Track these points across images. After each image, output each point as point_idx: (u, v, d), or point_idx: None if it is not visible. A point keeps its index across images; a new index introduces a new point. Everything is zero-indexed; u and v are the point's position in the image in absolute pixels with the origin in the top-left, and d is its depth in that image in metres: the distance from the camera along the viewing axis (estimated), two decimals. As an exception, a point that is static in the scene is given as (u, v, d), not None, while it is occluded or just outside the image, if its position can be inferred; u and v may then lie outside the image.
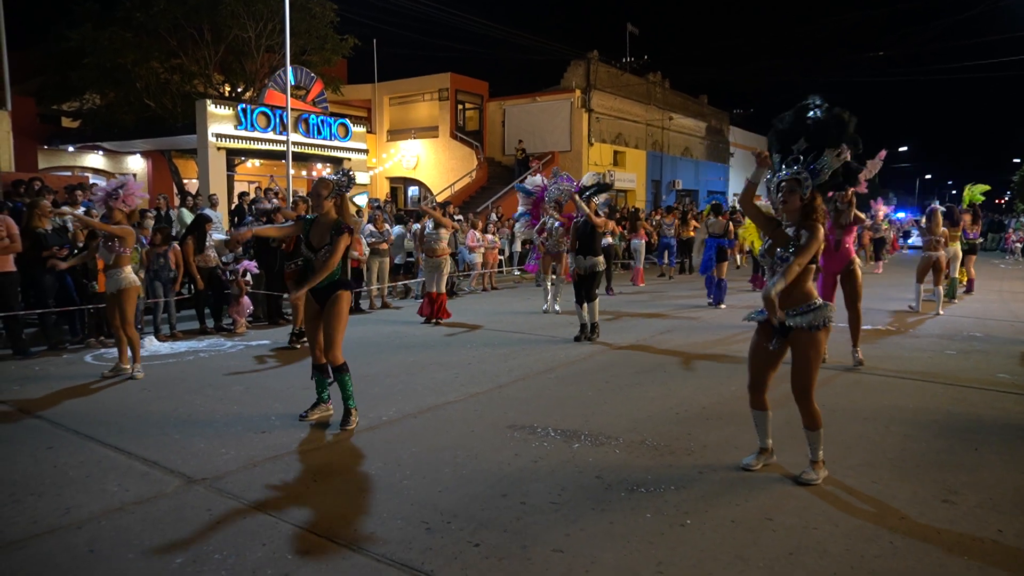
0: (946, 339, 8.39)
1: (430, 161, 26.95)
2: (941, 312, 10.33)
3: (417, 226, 12.84)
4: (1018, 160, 45.48)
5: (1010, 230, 27.69)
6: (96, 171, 19.70)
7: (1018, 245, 25.27)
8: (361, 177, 20.38)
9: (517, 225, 12.02)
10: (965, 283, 13.12)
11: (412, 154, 27.28)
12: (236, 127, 16.44)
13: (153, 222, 9.31)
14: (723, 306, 11.13)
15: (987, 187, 12.89)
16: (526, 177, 11.05)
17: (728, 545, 3.20)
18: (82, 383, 6.29)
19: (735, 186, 37.59)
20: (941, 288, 10.47)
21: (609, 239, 14.23)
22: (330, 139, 18.41)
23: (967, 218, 12.70)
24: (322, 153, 18.62)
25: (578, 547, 3.17)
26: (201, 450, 4.45)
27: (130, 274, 6.48)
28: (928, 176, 74.60)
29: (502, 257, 16.36)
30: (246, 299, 9.17)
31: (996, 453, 4.42)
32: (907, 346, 7.97)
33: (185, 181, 19.59)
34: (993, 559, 3.08)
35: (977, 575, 2.94)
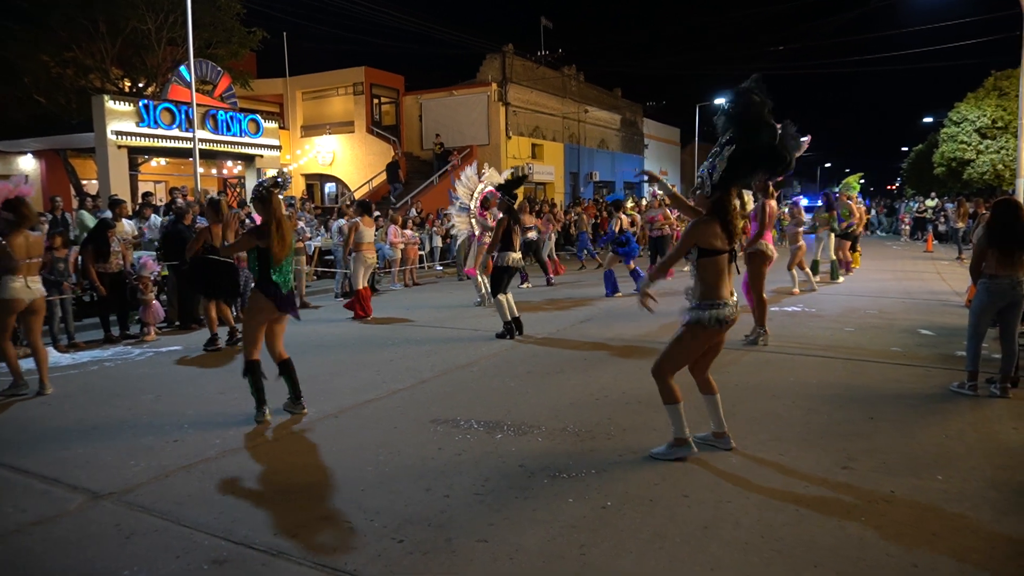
0: (845, 317, 8.91)
1: (346, 157, 26.44)
2: (797, 291, 11.21)
3: (342, 222, 12.57)
4: (906, 149, 48.65)
5: (902, 213, 29.61)
6: (-18, 173, 18.34)
7: (906, 227, 27.05)
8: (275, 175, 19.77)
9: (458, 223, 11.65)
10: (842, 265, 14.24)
11: (328, 150, 26.69)
12: (138, 124, 15.64)
13: (48, 226, 8.75)
14: (618, 295, 11.45)
15: (860, 174, 13.97)
16: (456, 188, 10.86)
17: (647, 523, 3.31)
18: (-28, 400, 5.86)
19: (650, 177, 38.53)
20: (795, 272, 11.49)
21: (532, 234, 14.43)
22: (240, 135, 17.78)
23: (853, 206, 13.74)
24: (232, 150, 17.97)
25: (502, 535, 3.21)
26: (108, 464, 4.23)
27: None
28: (828, 164, 78.62)
29: (422, 253, 16.25)
30: (157, 304, 8.76)
31: (889, 421, 4.75)
32: (810, 325, 8.42)
33: (84, 182, 18.49)
34: (886, 518, 3.31)
35: (872, 535, 3.16)
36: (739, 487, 3.70)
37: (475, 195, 10.70)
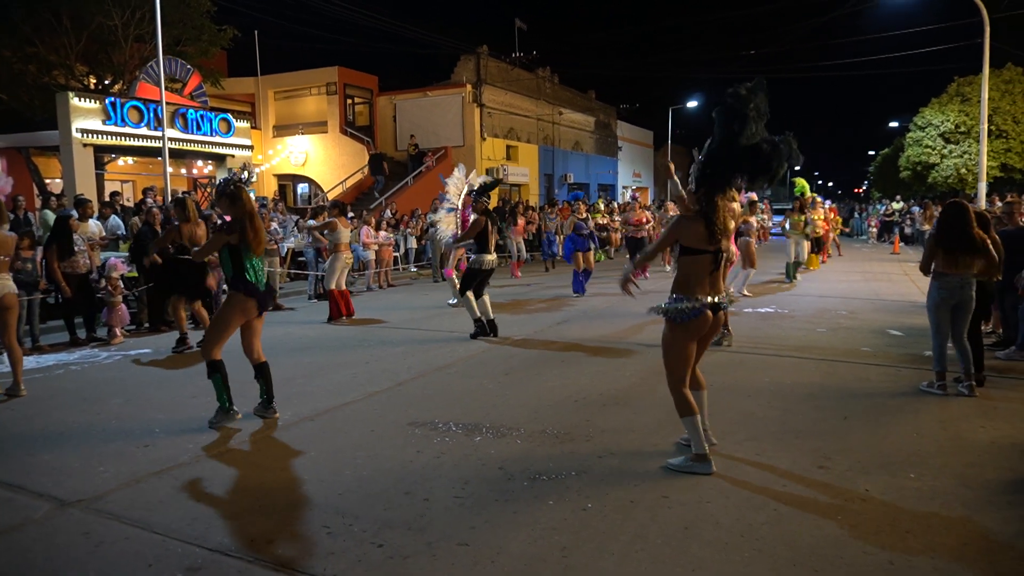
0: (817, 318, 9.05)
1: (319, 157, 26.16)
2: (747, 293, 11.08)
3: (312, 222, 12.42)
4: (873, 152, 49.60)
5: (869, 216, 30.19)
6: (-60, 171, 17.75)
7: (873, 230, 27.57)
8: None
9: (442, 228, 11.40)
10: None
11: (300, 150, 26.38)
12: (104, 122, 15.29)
13: (8, 226, 8.49)
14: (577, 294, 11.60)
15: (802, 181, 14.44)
16: (447, 187, 10.75)
17: (628, 525, 3.31)
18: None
19: (624, 179, 38.84)
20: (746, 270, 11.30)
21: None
22: (211, 135, 17.49)
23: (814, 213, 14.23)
24: (203, 150, 17.66)
25: (483, 539, 3.19)
26: (75, 470, 4.12)
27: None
28: (797, 167, 79.78)
29: (397, 254, 16.14)
30: (123, 307, 8.55)
31: (862, 420, 4.82)
32: (783, 325, 8.53)
33: (47, 181, 18.04)
34: (861, 517, 3.35)
35: (849, 533, 3.19)
36: (718, 488, 3.72)
37: (462, 195, 10.67)
